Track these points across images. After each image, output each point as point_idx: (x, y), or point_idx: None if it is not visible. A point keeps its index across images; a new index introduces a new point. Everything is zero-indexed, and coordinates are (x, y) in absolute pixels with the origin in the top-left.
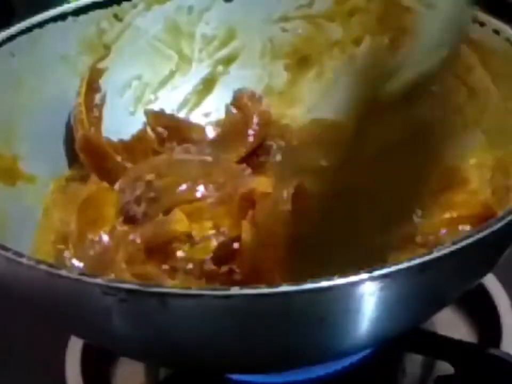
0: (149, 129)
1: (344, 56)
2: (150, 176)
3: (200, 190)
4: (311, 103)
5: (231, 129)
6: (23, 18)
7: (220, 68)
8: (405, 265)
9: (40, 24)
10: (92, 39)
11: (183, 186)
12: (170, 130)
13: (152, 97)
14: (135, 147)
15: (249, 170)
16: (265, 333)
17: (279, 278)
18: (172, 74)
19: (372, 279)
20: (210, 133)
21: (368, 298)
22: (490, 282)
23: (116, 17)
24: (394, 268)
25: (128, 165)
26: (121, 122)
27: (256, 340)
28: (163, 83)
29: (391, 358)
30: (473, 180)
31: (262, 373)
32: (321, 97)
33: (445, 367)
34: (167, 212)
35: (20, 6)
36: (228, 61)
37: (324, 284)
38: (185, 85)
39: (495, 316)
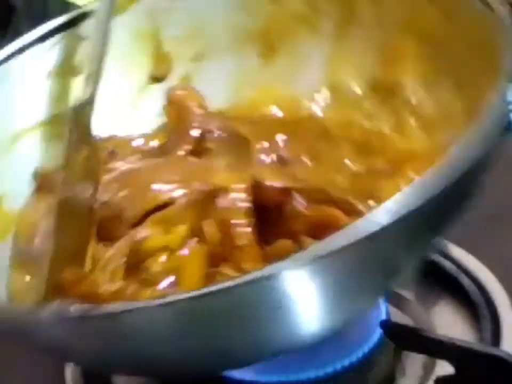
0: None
1: (313, 31)
2: (105, 197)
3: (165, 192)
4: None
5: (173, 128)
6: (22, 19)
7: (192, 65)
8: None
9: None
10: (65, 62)
11: (148, 192)
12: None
13: (131, 106)
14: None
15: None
16: (216, 331)
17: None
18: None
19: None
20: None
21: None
22: (490, 282)
23: (80, 37)
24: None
25: None
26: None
27: (212, 339)
28: (141, 90)
29: (391, 358)
30: None
31: (235, 369)
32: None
33: (445, 367)
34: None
35: (20, 7)
36: (199, 55)
37: (245, 277)
38: (163, 88)
39: (495, 316)
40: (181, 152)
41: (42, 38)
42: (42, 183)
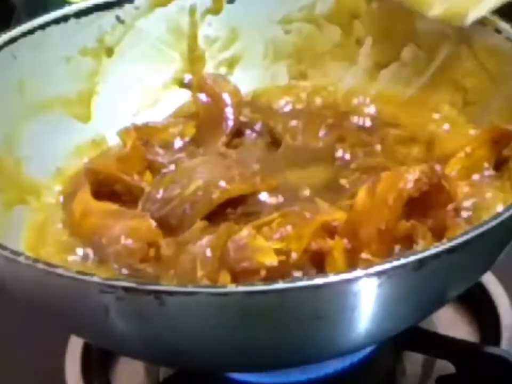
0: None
1: (346, 57)
2: (174, 191)
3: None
4: None
5: (206, 117)
6: (23, 19)
7: (223, 70)
8: (401, 262)
9: (42, 27)
10: (94, 41)
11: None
12: (150, 137)
13: (154, 99)
14: (131, 158)
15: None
16: (261, 331)
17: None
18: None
19: (368, 275)
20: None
21: (363, 296)
22: (490, 282)
23: (118, 19)
24: (390, 264)
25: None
26: (123, 125)
27: (252, 337)
28: (166, 85)
29: (391, 358)
30: None
31: (260, 371)
32: None
33: (445, 367)
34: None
35: (20, 6)
36: (231, 62)
37: (318, 280)
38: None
39: (495, 315)
40: (219, 145)
41: (78, 14)
42: (93, 179)
